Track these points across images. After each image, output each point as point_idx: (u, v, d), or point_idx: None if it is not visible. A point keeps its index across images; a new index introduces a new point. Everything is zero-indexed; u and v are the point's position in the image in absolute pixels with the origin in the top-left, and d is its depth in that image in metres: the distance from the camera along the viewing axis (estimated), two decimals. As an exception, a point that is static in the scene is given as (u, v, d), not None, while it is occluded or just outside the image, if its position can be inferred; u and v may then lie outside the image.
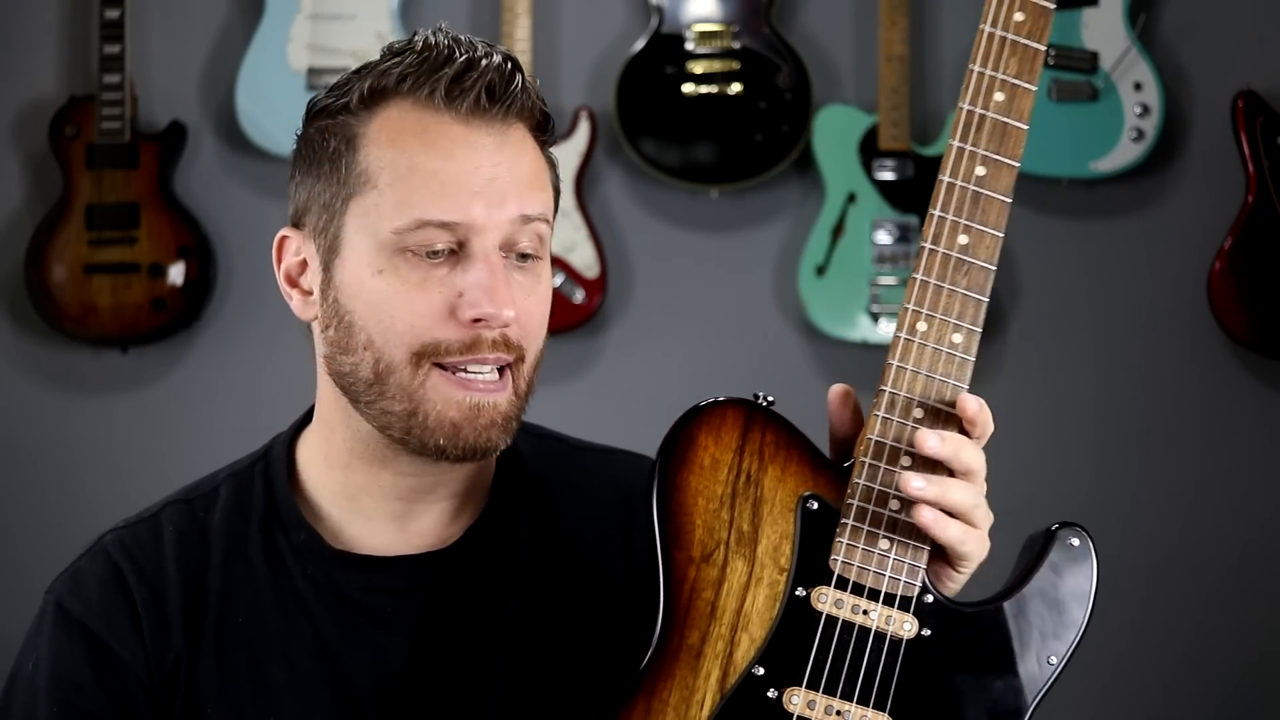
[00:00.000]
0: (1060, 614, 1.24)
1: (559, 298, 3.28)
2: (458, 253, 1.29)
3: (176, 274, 3.32)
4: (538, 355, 1.35)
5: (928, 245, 1.30)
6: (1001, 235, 1.30)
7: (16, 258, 3.35)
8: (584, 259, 3.30)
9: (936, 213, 1.32)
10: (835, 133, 3.31)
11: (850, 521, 1.25)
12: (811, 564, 1.24)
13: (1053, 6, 1.31)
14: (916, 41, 3.35)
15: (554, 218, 1.38)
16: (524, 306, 1.31)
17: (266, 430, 1.48)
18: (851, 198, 3.30)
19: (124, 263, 3.30)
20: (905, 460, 1.24)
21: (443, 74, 1.31)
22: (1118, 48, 3.24)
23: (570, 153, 3.33)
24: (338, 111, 1.32)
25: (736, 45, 3.31)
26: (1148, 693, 3.34)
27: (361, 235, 1.30)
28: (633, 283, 3.39)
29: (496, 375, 1.31)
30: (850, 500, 1.25)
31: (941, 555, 1.27)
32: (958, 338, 1.26)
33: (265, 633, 1.35)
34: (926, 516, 1.23)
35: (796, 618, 1.24)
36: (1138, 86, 3.24)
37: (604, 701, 1.24)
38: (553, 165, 1.39)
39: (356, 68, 1.36)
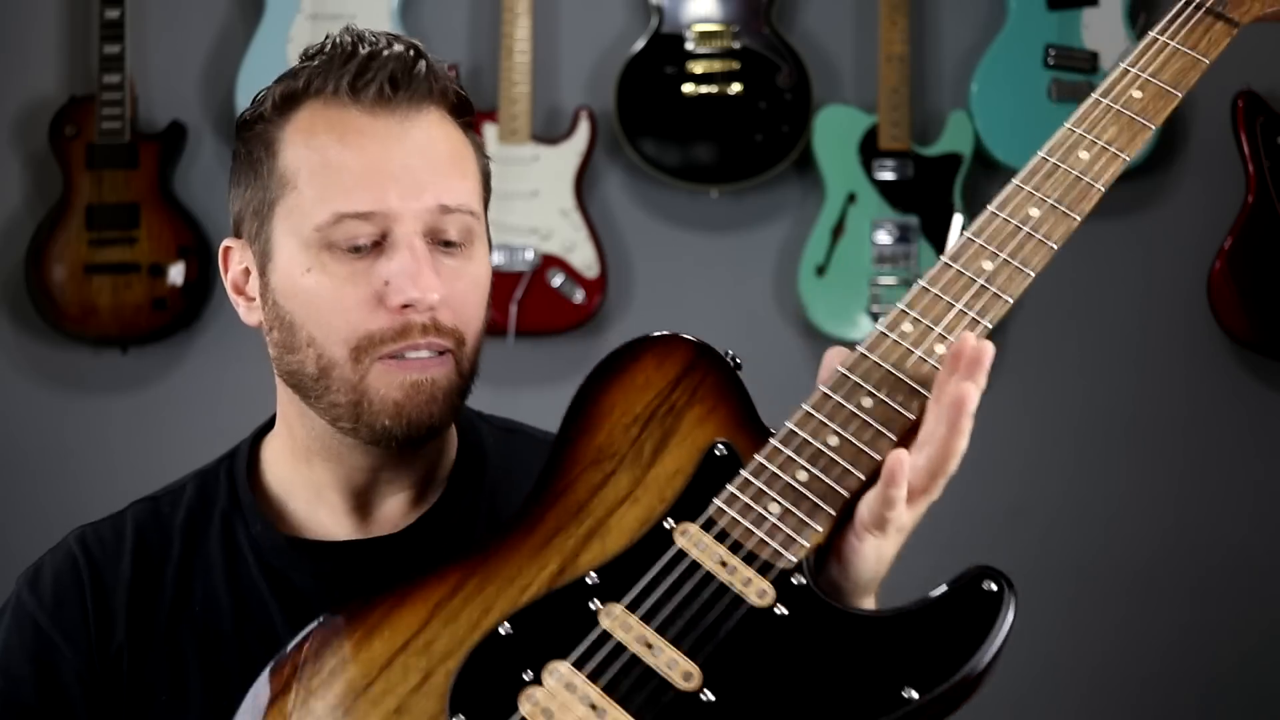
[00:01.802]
0: (939, 654, 1.11)
1: (559, 298, 3.28)
2: (381, 244, 1.31)
3: (176, 274, 3.32)
4: (477, 337, 1.36)
5: (945, 260, 1.25)
6: (1032, 275, 1.26)
7: (16, 258, 3.35)
8: (584, 259, 3.30)
9: (968, 235, 1.26)
10: (835, 133, 3.31)
11: (748, 474, 1.19)
12: (693, 503, 1.19)
13: (1179, 95, 1.32)
14: (916, 41, 3.35)
15: (485, 201, 1.39)
16: (454, 289, 1.33)
17: (266, 430, 1.49)
18: (851, 198, 3.30)
19: (124, 263, 3.30)
20: (833, 439, 1.18)
21: (346, 69, 1.32)
22: (1118, 48, 3.24)
23: (570, 153, 3.33)
24: (256, 121, 1.36)
25: (736, 45, 3.31)
26: (1146, 692, 3.34)
27: (288, 237, 1.33)
28: (633, 283, 3.39)
29: (429, 352, 1.33)
30: (758, 456, 1.19)
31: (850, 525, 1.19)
32: (940, 349, 1.20)
33: (219, 621, 1.38)
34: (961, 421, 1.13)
35: (653, 545, 1.18)
36: (1138, 86, 3.23)
37: (453, 554, 1.22)
38: (478, 147, 1.40)
39: (276, 79, 1.38)
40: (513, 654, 1.14)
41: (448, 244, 1.33)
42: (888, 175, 3.30)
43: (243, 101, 3.28)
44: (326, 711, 1.14)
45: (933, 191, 3.29)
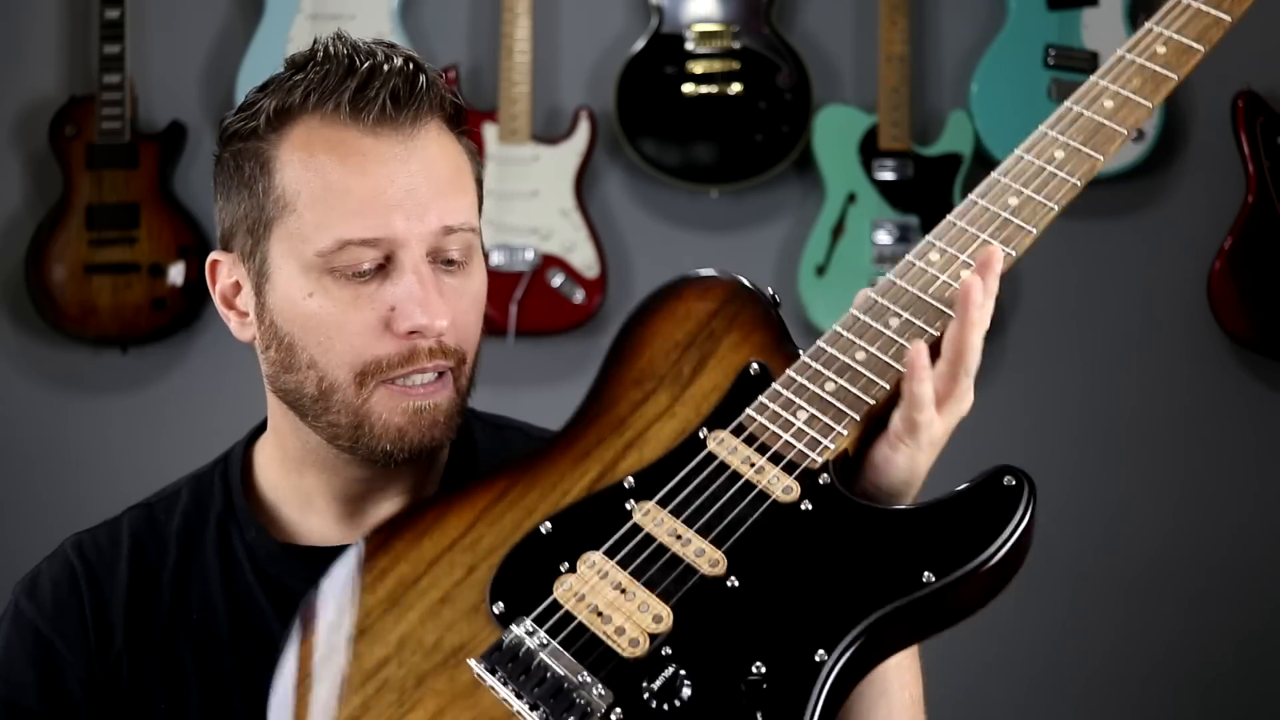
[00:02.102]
0: (958, 542, 1.15)
1: (559, 298, 3.28)
2: (385, 266, 1.29)
3: (176, 274, 3.32)
4: (476, 353, 1.36)
5: (973, 197, 1.33)
6: (1057, 209, 1.33)
7: (16, 258, 3.35)
8: (584, 259, 3.30)
9: (995, 174, 1.34)
10: (835, 133, 3.31)
11: (778, 386, 1.25)
12: (727, 415, 1.26)
13: (1202, 50, 1.39)
14: (916, 41, 3.35)
15: (480, 212, 1.38)
16: (457, 309, 1.32)
17: (266, 431, 1.49)
18: (851, 198, 3.30)
19: (124, 263, 3.30)
20: (859, 354, 1.24)
21: (346, 86, 1.29)
22: (1118, 48, 3.23)
23: (570, 153, 3.33)
24: (248, 135, 1.33)
25: (736, 45, 3.31)
26: (1146, 692, 3.34)
27: (287, 259, 1.31)
28: (633, 283, 3.39)
29: (435, 377, 1.32)
30: (789, 370, 1.26)
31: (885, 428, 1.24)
32: (965, 273, 1.25)
33: (216, 628, 1.38)
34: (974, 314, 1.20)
35: (688, 452, 1.24)
36: (1138, 86, 3.24)
37: (498, 464, 1.29)
38: (473, 154, 1.38)
39: (261, 85, 1.35)
40: (552, 549, 1.21)
41: (449, 263, 1.32)
42: (888, 175, 3.30)
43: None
44: (377, 604, 1.21)
45: (933, 191, 3.29)
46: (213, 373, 3.39)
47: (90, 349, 3.38)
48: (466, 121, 1.38)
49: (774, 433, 1.23)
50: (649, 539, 1.20)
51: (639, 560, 1.19)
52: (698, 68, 3.31)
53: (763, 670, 1.13)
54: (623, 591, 1.17)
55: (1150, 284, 3.36)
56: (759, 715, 1.11)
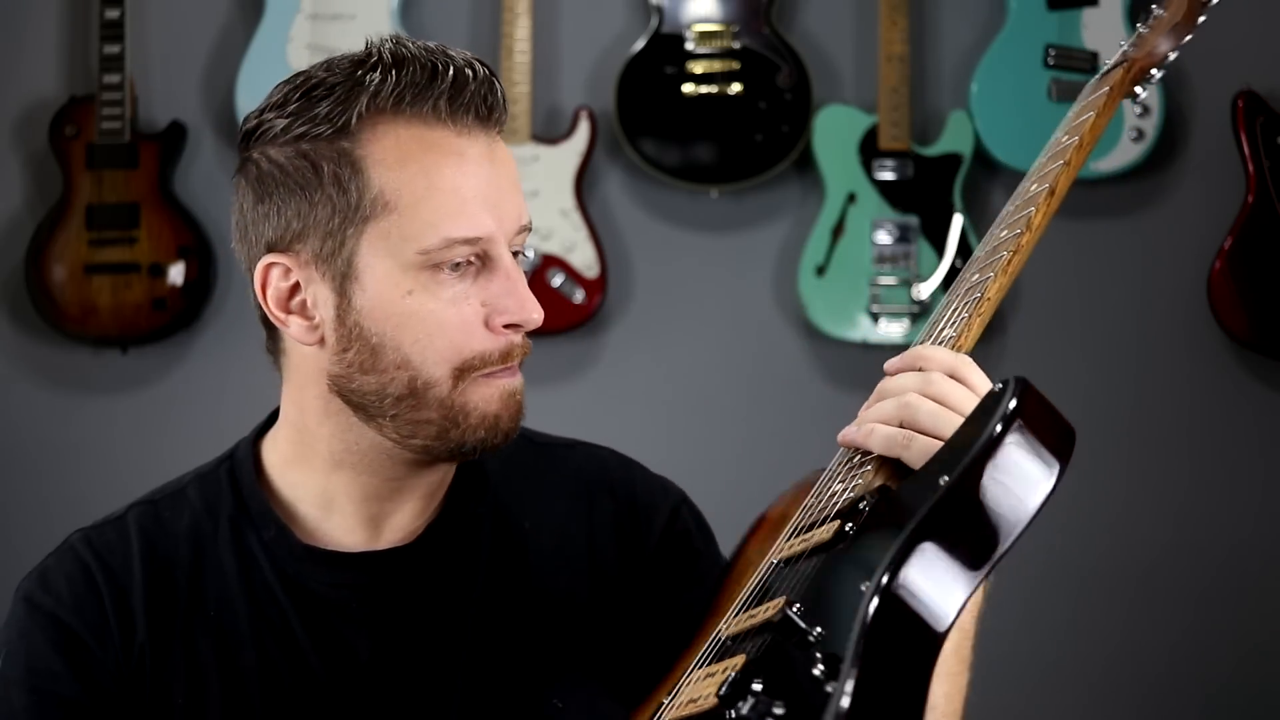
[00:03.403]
0: (961, 444, 1.17)
1: (559, 298, 3.28)
2: (476, 264, 1.33)
3: (176, 274, 3.32)
4: None
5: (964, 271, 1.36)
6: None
7: (16, 258, 3.35)
8: (584, 259, 3.30)
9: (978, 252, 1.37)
10: (835, 133, 3.31)
11: (811, 495, 1.28)
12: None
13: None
14: (916, 41, 3.35)
15: None
16: None
17: (266, 430, 1.49)
18: (851, 198, 3.30)
19: (124, 263, 3.30)
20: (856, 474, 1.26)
21: (436, 89, 1.32)
22: (1118, 48, 3.23)
23: (570, 153, 3.33)
24: (328, 136, 1.31)
25: (736, 45, 3.31)
26: (1150, 693, 3.34)
27: (382, 258, 1.31)
28: (633, 283, 3.39)
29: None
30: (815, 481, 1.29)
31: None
32: (948, 332, 1.29)
33: (235, 623, 1.38)
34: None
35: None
36: (1138, 86, 3.23)
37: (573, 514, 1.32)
38: None
39: (307, 85, 1.34)
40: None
41: (515, 256, 1.36)
42: (888, 175, 3.30)
43: (243, 101, 3.28)
44: None
45: (933, 191, 3.29)
46: (213, 373, 3.39)
47: (90, 349, 3.38)
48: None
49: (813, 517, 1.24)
50: (725, 635, 1.20)
51: (715, 652, 1.19)
52: (698, 68, 3.31)
53: (821, 632, 1.10)
54: (709, 676, 1.16)
55: (1150, 284, 3.36)
56: (818, 666, 1.07)
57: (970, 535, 1.12)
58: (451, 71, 1.32)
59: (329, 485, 1.39)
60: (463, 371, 1.32)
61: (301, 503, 1.41)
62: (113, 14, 3.29)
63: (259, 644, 1.37)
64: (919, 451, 1.22)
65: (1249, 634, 3.31)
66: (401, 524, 1.41)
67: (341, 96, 1.31)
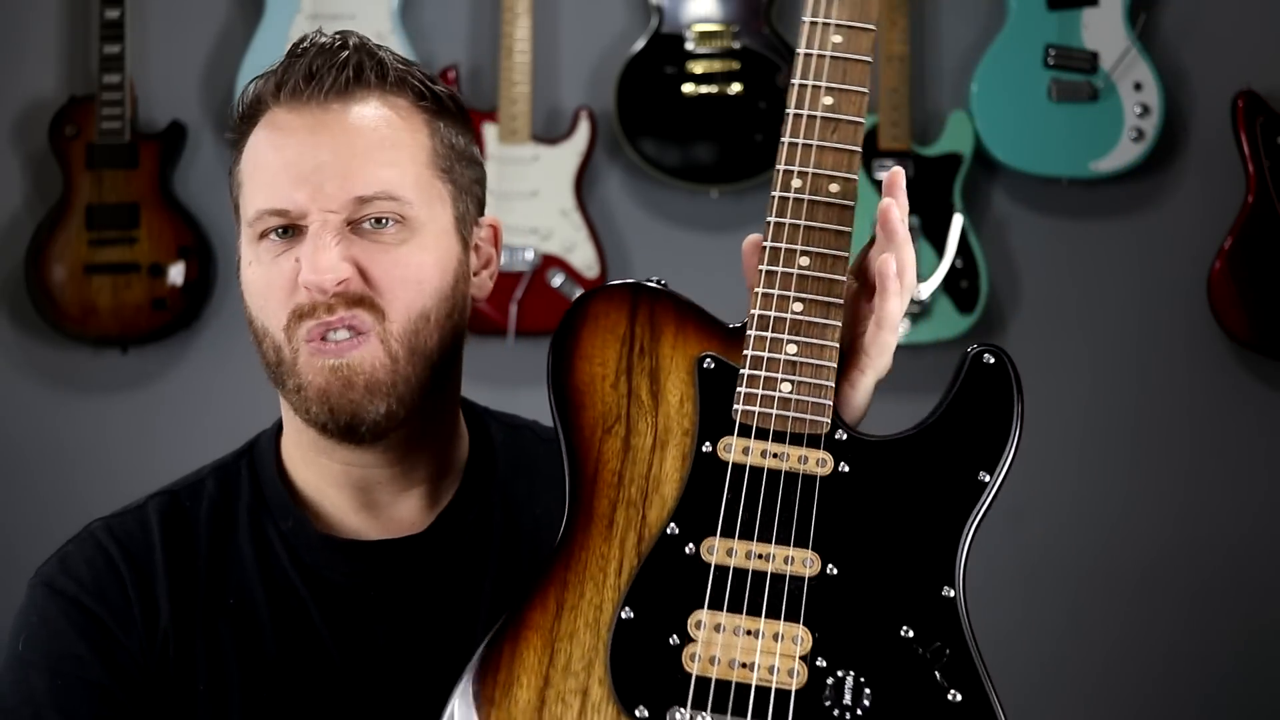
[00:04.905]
0: (985, 431, 1.22)
1: (559, 298, 3.28)
2: (292, 232, 1.35)
3: (176, 274, 3.32)
4: (413, 316, 1.36)
5: (791, 111, 1.33)
6: (865, 91, 1.35)
7: (16, 258, 3.35)
8: (584, 259, 3.30)
9: (796, 81, 1.33)
10: (835, 133, 3.31)
11: (748, 371, 1.25)
12: (715, 419, 1.24)
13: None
14: (916, 41, 3.35)
15: (478, 207, 1.43)
16: (378, 263, 1.34)
17: (266, 430, 1.49)
18: (851, 198, 3.30)
19: (124, 263, 3.30)
20: (797, 305, 1.26)
21: (275, 69, 1.37)
22: (1118, 48, 3.24)
23: (570, 153, 3.33)
24: (241, 122, 1.41)
25: (736, 45, 3.31)
26: (1150, 693, 3.34)
27: (241, 235, 1.39)
28: (633, 283, 3.39)
29: (350, 335, 1.33)
30: (746, 351, 1.26)
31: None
32: (834, 186, 1.33)
33: (255, 613, 1.38)
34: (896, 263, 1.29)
35: (706, 472, 1.23)
36: (1138, 86, 3.24)
37: (524, 580, 1.24)
38: (442, 133, 1.40)
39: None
40: (648, 630, 1.17)
41: (377, 222, 1.34)
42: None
43: (243, 101, 3.28)
44: None
45: (933, 191, 3.29)
46: (213, 372, 3.39)
47: (90, 349, 3.38)
48: (434, 101, 1.40)
49: (776, 415, 1.23)
50: (739, 573, 1.18)
51: (744, 597, 1.18)
52: (698, 68, 3.31)
53: (911, 633, 1.15)
54: (750, 633, 1.16)
55: (1150, 284, 3.36)
56: (937, 674, 1.13)
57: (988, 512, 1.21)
58: (302, 52, 1.37)
59: (313, 473, 1.42)
60: (289, 330, 1.34)
61: (310, 492, 1.43)
62: (113, 14, 3.29)
63: (278, 632, 1.38)
64: (891, 318, 1.26)
65: (1248, 633, 3.31)
66: (410, 513, 1.42)
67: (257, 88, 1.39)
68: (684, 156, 3.34)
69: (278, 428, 1.46)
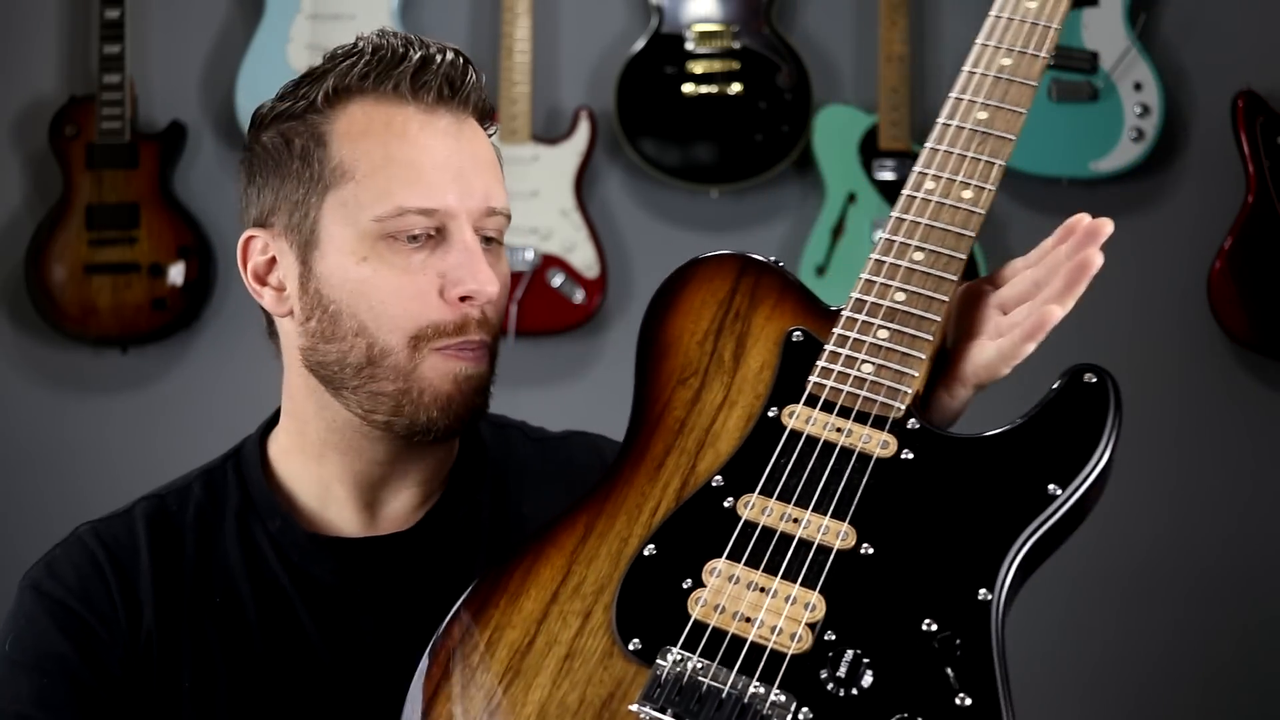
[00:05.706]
0: (1067, 447, 1.21)
1: (559, 298, 3.28)
2: (435, 237, 1.34)
3: (176, 274, 3.32)
4: (498, 337, 1.41)
5: (942, 120, 1.33)
6: (1024, 112, 1.33)
7: (16, 258, 3.35)
8: (584, 259, 3.30)
9: (954, 95, 1.35)
10: (835, 133, 3.32)
11: (831, 347, 1.25)
12: (789, 388, 1.24)
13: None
14: (916, 41, 3.35)
15: None
16: (497, 276, 1.37)
17: (266, 430, 1.49)
18: (851, 198, 3.31)
19: (124, 263, 3.31)
20: (899, 295, 1.25)
21: (403, 69, 1.36)
22: (1118, 48, 3.24)
23: (570, 153, 3.33)
24: (301, 113, 1.37)
25: (736, 45, 3.31)
26: (1143, 691, 3.34)
27: (341, 226, 1.35)
28: (633, 283, 3.39)
29: (479, 347, 1.36)
30: (836, 329, 1.26)
31: (949, 371, 1.27)
32: (967, 194, 1.29)
33: (241, 611, 1.39)
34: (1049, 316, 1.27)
35: (765, 434, 1.23)
36: (1138, 86, 3.24)
37: (567, 502, 1.25)
38: (499, 155, 1.44)
39: (302, 75, 1.40)
40: (665, 570, 1.17)
41: (487, 241, 1.38)
42: (888, 175, 3.30)
43: (243, 101, 3.29)
44: (494, 679, 1.15)
45: (933, 191, 3.29)
46: (212, 372, 3.39)
47: (90, 349, 3.39)
48: (495, 122, 1.44)
49: (848, 392, 1.23)
50: (767, 531, 1.17)
51: (766, 555, 1.16)
52: (698, 68, 3.31)
53: (934, 627, 1.12)
54: (762, 590, 1.14)
55: (1150, 284, 3.36)
56: (949, 671, 1.10)
57: (1058, 536, 1.21)
58: (419, 53, 1.36)
59: (323, 472, 1.42)
60: (418, 341, 1.34)
61: (302, 494, 1.43)
62: (113, 14, 3.29)
63: (265, 630, 1.39)
64: (1018, 358, 1.26)
65: (1243, 633, 3.31)
66: (401, 510, 1.44)
67: (317, 77, 1.37)
68: (684, 156, 3.34)
69: (262, 431, 1.47)
